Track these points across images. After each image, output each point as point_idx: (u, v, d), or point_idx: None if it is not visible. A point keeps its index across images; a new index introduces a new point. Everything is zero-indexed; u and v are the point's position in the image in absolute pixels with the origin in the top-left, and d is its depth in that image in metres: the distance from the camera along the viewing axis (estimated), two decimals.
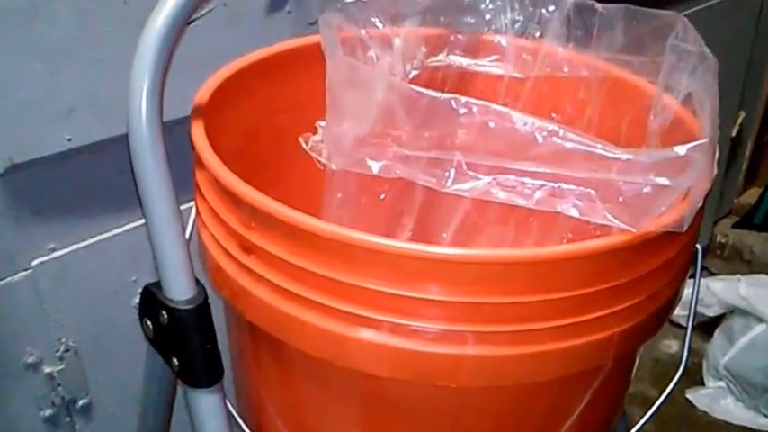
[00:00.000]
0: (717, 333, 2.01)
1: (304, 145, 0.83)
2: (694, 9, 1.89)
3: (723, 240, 2.41)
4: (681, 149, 0.67)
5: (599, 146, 0.70)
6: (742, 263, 2.37)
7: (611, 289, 0.67)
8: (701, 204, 0.68)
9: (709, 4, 1.98)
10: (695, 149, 0.67)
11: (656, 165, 0.68)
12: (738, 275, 2.00)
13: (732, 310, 1.97)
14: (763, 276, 2.00)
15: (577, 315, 0.66)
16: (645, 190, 0.68)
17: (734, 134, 2.34)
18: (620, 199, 0.69)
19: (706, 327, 2.03)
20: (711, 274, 2.30)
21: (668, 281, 0.73)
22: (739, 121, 2.35)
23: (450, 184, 0.75)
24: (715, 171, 0.69)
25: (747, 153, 2.54)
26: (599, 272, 0.66)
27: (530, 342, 0.66)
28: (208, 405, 0.80)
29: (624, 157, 0.69)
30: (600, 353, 0.70)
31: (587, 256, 0.65)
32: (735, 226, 2.48)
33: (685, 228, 0.67)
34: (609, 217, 0.68)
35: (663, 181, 0.67)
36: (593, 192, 0.71)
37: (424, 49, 0.96)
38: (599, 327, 0.68)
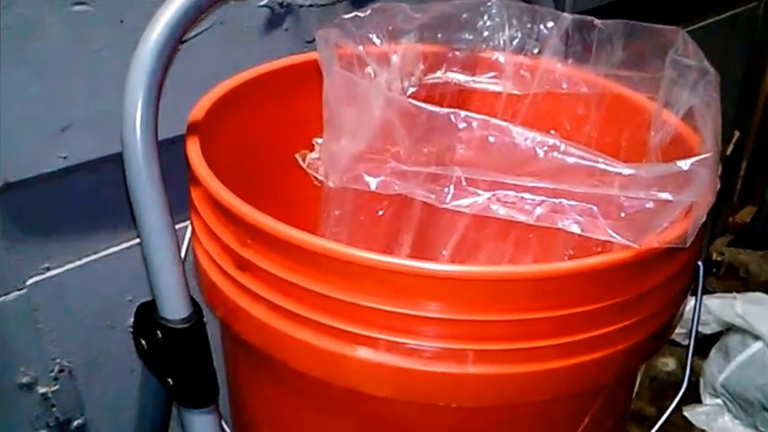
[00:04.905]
0: (713, 351, 2.00)
1: (301, 162, 0.83)
2: (689, 28, 1.90)
3: (719, 258, 2.40)
4: (684, 164, 0.66)
5: (601, 160, 0.70)
6: (738, 281, 2.36)
7: (614, 306, 0.66)
8: (704, 219, 0.67)
9: (704, 23, 1.98)
10: (698, 164, 0.66)
11: (659, 179, 0.67)
12: (734, 293, 1.99)
13: (728, 328, 1.96)
14: (759, 294, 2.00)
15: (579, 333, 0.66)
16: (647, 205, 0.67)
17: (729, 153, 2.34)
18: (623, 214, 0.68)
19: (702, 344, 2.02)
20: (707, 291, 2.29)
21: (671, 297, 0.72)
22: (734, 140, 2.35)
23: (450, 200, 0.75)
24: (718, 185, 0.68)
25: (742, 171, 2.54)
26: (601, 289, 0.66)
27: (531, 360, 0.65)
28: (203, 425, 0.79)
29: (626, 171, 0.68)
30: (602, 371, 0.70)
31: (589, 272, 0.65)
32: (730, 244, 2.47)
33: (688, 243, 0.66)
34: (611, 233, 0.67)
35: (666, 196, 0.66)
36: (594, 207, 0.70)
37: (421, 66, 0.96)
38: (601, 344, 0.67)
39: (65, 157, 0.92)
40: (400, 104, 0.78)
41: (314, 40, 0.86)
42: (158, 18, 0.71)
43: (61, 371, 1.03)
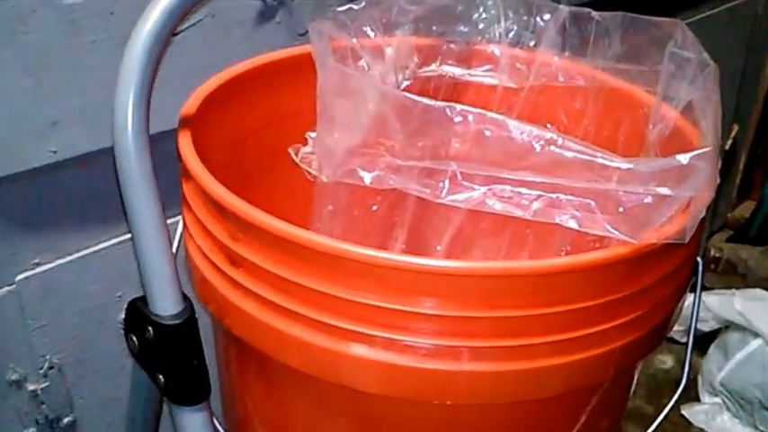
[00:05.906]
0: (712, 348, 2.00)
1: (294, 156, 0.82)
2: (688, 21, 1.89)
3: (717, 254, 2.39)
4: (683, 158, 0.65)
5: (599, 154, 0.69)
6: (737, 277, 2.35)
7: (611, 302, 0.65)
8: (703, 215, 0.67)
9: (702, 15, 1.97)
10: (698, 158, 0.65)
11: (658, 174, 0.66)
12: (733, 290, 1.99)
13: (727, 325, 1.96)
14: (758, 291, 1.99)
15: (576, 329, 0.65)
16: (646, 200, 0.67)
17: (727, 147, 2.33)
18: (621, 209, 0.68)
19: (701, 342, 2.02)
20: (706, 288, 2.28)
21: (669, 294, 0.72)
22: (733, 134, 2.34)
23: (445, 195, 0.74)
24: (717, 180, 0.67)
25: (741, 166, 2.53)
26: (598, 285, 0.65)
27: (527, 358, 0.65)
28: (194, 423, 0.78)
29: (625, 166, 0.68)
30: (599, 368, 0.69)
31: (586, 268, 0.64)
32: (729, 240, 2.47)
33: (687, 239, 0.65)
34: (609, 228, 0.66)
35: (664, 191, 0.66)
36: (592, 202, 0.69)
37: (416, 59, 0.95)
38: (599, 341, 0.66)
39: (54, 152, 0.91)
40: (395, 98, 0.77)
41: (307, 32, 0.85)
42: (150, 11, 0.70)
43: (51, 367, 1.02)
